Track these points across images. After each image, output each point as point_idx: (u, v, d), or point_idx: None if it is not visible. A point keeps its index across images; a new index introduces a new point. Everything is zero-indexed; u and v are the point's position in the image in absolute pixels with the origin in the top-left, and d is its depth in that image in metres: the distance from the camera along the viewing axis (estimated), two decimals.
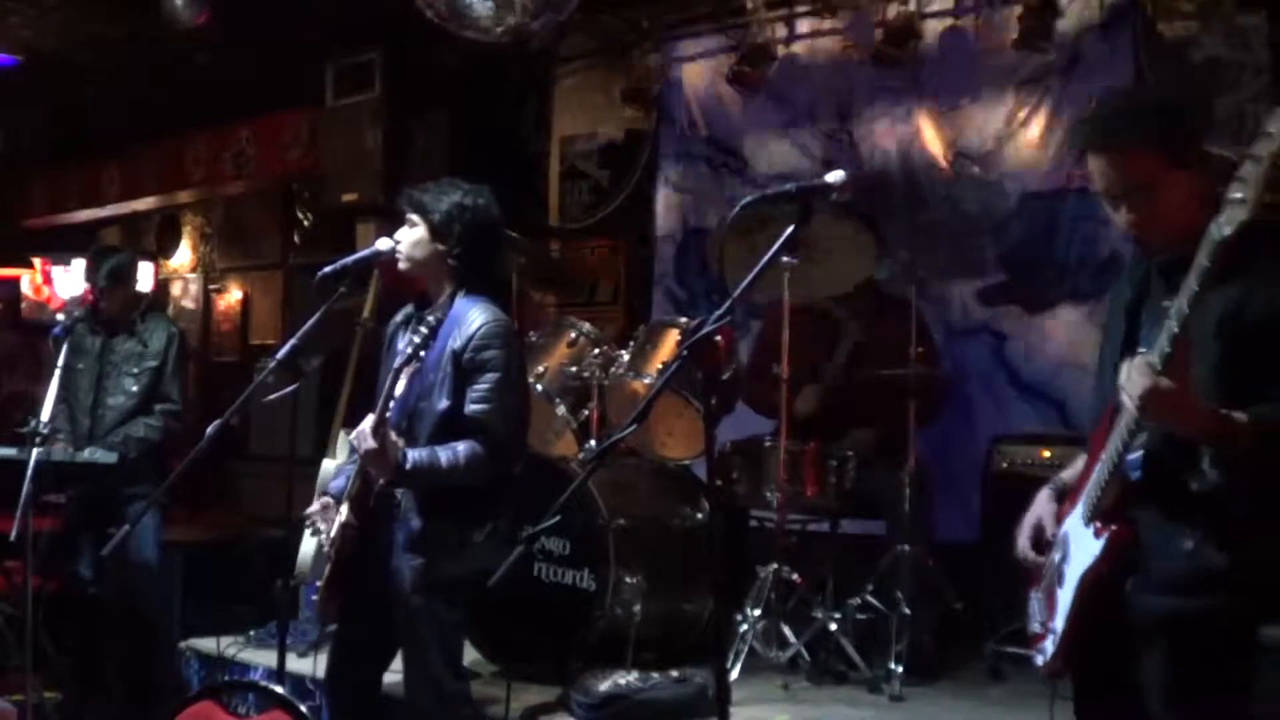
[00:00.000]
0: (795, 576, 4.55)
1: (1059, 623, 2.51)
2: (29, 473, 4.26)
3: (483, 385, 3.42)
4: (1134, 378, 2.29)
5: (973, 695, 4.41)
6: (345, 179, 7.38)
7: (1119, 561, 2.41)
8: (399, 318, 3.72)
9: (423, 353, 3.39)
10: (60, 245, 10.07)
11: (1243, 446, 2.29)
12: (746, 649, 4.39)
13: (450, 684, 3.53)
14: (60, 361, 4.64)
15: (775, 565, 4.51)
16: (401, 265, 3.58)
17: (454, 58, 6.81)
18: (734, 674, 4.25)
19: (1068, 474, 2.68)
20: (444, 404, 3.42)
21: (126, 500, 5.01)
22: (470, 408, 3.42)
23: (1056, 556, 2.57)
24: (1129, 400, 2.31)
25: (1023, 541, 2.68)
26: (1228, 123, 4.96)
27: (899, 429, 4.75)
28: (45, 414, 4.40)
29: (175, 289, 9.97)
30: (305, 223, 8.85)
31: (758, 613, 4.48)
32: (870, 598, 4.67)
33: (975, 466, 5.19)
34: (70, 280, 9.50)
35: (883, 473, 4.73)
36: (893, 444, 4.83)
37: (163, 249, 10.04)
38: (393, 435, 3.32)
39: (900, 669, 4.37)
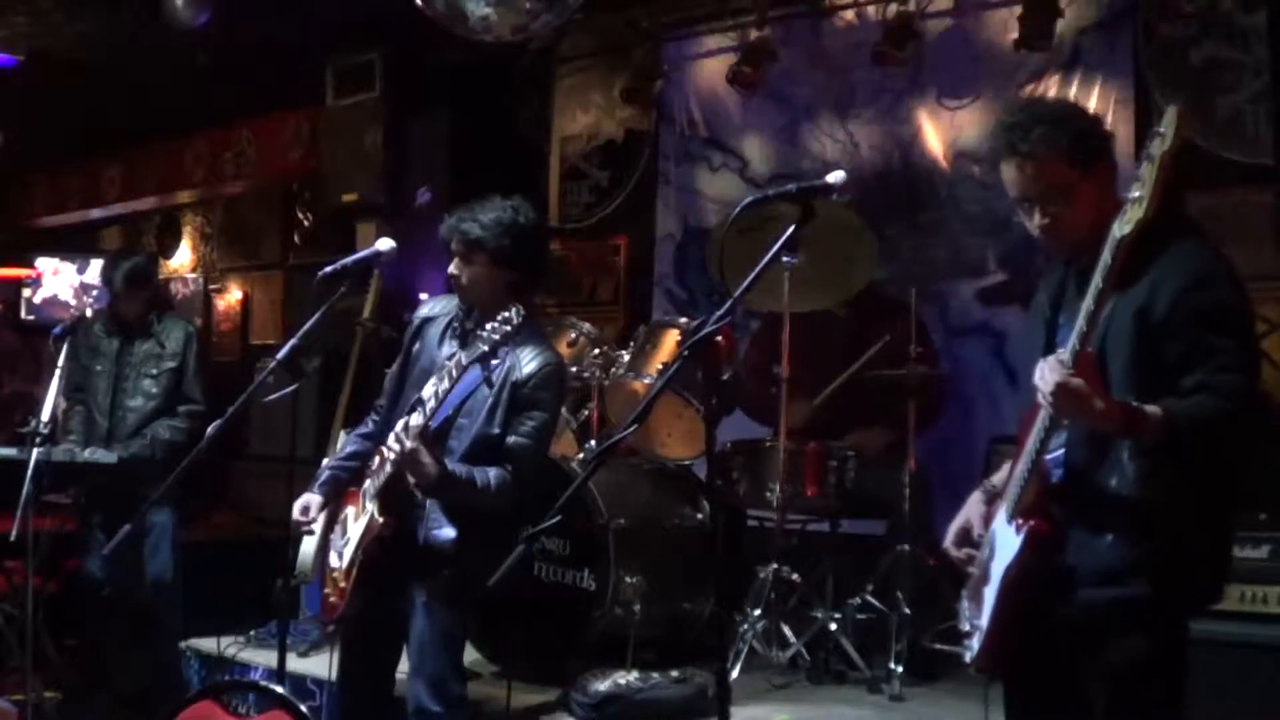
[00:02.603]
0: (795, 576, 4.56)
1: (983, 620, 2.57)
2: (29, 473, 4.27)
3: (530, 421, 3.52)
4: (1045, 374, 2.38)
5: (973, 695, 4.38)
6: (345, 179, 7.38)
7: (1038, 556, 2.48)
8: (430, 311, 3.70)
9: (477, 368, 3.41)
10: (60, 245, 10.07)
11: (1153, 439, 2.37)
12: (746, 649, 4.40)
13: (455, 687, 3.58)
14: (60, 361, 4.63)
15: (775, 565, 4.52)
16: (467, 299, 3.58)
17: (454, 58, 6.80)
18: (734, 674, 4.26)
19: (998, 478, 2.75)
20: (495, 430, 3.48)
21: (144, 502, 5.00)
22: (512, 439, 3.50)
23: (984, 555, 2.63)
24: (1041, 396, 2.39)
25: (949, 541, 2.74)
26: (1228, 123, 4.96)
27: (898, 429, 4.75)
28: (45, 414, 4.40)
29: (175, 289, 9.97)
30: (305, 223, 8.84)
31: (758, 613, 4.48)
32: (870, 598, 4.67)
33: (975, 466, 5.18)
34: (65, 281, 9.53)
35: (883, 473, 4.73)
36: (893, 445, 4.83)
37: (163, 249, 10.03)
38: (426, 457, 3.34)
39: (900, 669, 4.37)
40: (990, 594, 2.55)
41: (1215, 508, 2.50)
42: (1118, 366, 2.45)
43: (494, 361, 3.41)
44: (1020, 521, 2.50)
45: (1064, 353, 2.37)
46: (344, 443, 3.83)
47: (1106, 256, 2.33)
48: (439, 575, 3.48)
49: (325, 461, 3.81)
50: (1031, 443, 2.48)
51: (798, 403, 4.96)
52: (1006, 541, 2.53)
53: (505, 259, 3.52)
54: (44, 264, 9.51)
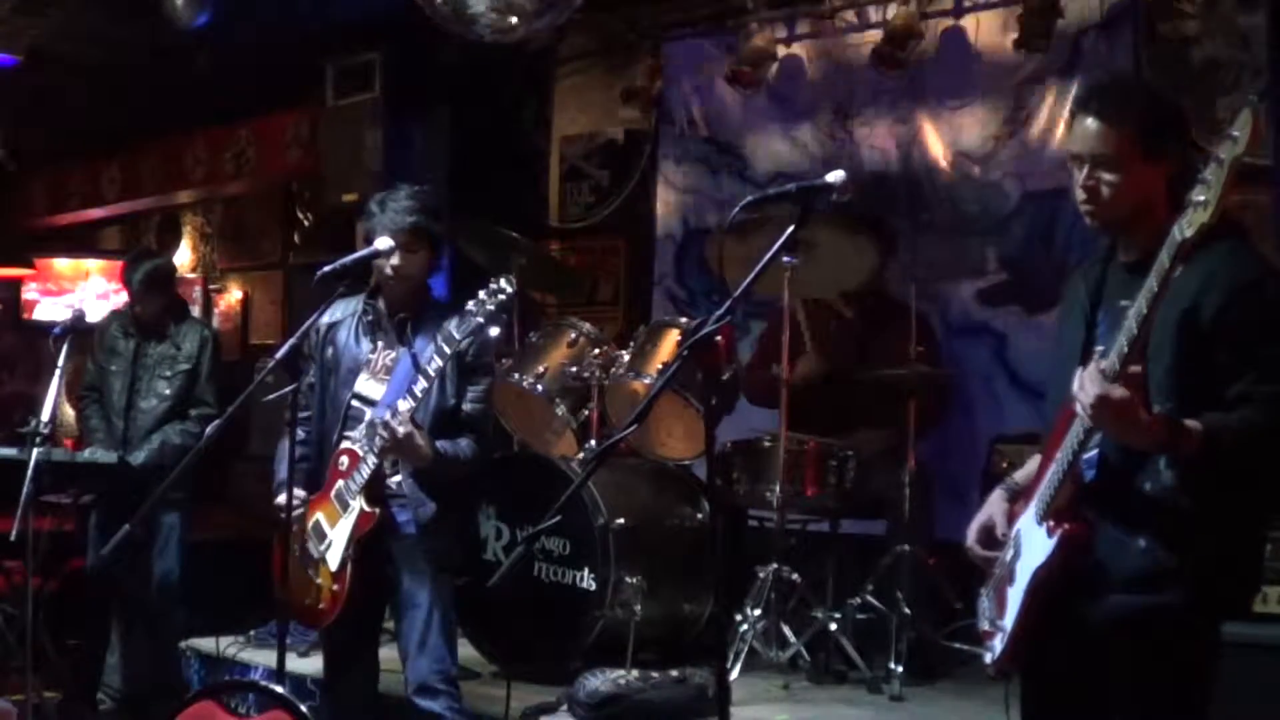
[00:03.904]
0: (795, 576, 4.55)
1: (1008, 621, 2.53)
2: (29, 473, 4.26)
3: (479, 386, 3.70)
4: (1086, 386, 2.32)
5: (973, 695, 4.40)
6: (345, 179, 7.36)
7: (1070, 560, 2.44)
8: (333, 317, 3.75)
9: (406, 353, 3.53)
10: (60, 245, 10.06)
11: (1192, 455, 2.32)
12: (746, 649, 4.39)
13: (452, 667, 3.68)
14: (60, 361, 4.63)
15: (775, 565, 4.51)
16: (406, 287, 3.68)
17: (454, 58, 6.79)
18: (734, 674, 4.25)
19: (1021, 475, 2.72)
20: (451, 401, 3.63)
21: (157, 504, 4.98)
22: (469, 406, 3.67)
23: (1008, 555, 2.60)
24: (1081, 408, 2.33)
25: (972, 539, 2.71)
26: (1228, 123, 4.95)
27: (902, 430, 4.75)
28: (45, 414, 4.40)
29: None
30: (305, 223, 8.84)
31: (758, 613, 4.48)
32: (870, 598, 4.66)
33: (975, 466, 5.19)
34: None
35: (883, 472, 4.73)
36: (896, 445, 4.83)
37: (163, 249, 10.02)
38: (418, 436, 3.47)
39: (900, 669, 4.37)
40: (1015, 595, 2.51)
41: (1252, 513, 2.47)
42: (1160, 370, 2.39)
43: (422, 344, 3.53)
44: (1053, 524, 2.46)
45: (1104, 362, 2.31)
46: (281, 451, 3.80)
47: (1164, 259, 2.25)
48: (427, 553, 3.58)
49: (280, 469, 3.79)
50: (1069, 442, 2.43)
51: (806, 357, 4.95)
52: (1035, 542, 2.49)
53: (438, 242, 3.71)
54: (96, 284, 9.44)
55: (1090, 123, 2.50)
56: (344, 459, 3.60)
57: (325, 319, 3.77)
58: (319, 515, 3.64)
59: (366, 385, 3.65)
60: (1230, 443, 2.32)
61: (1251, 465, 2.38)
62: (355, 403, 3.65)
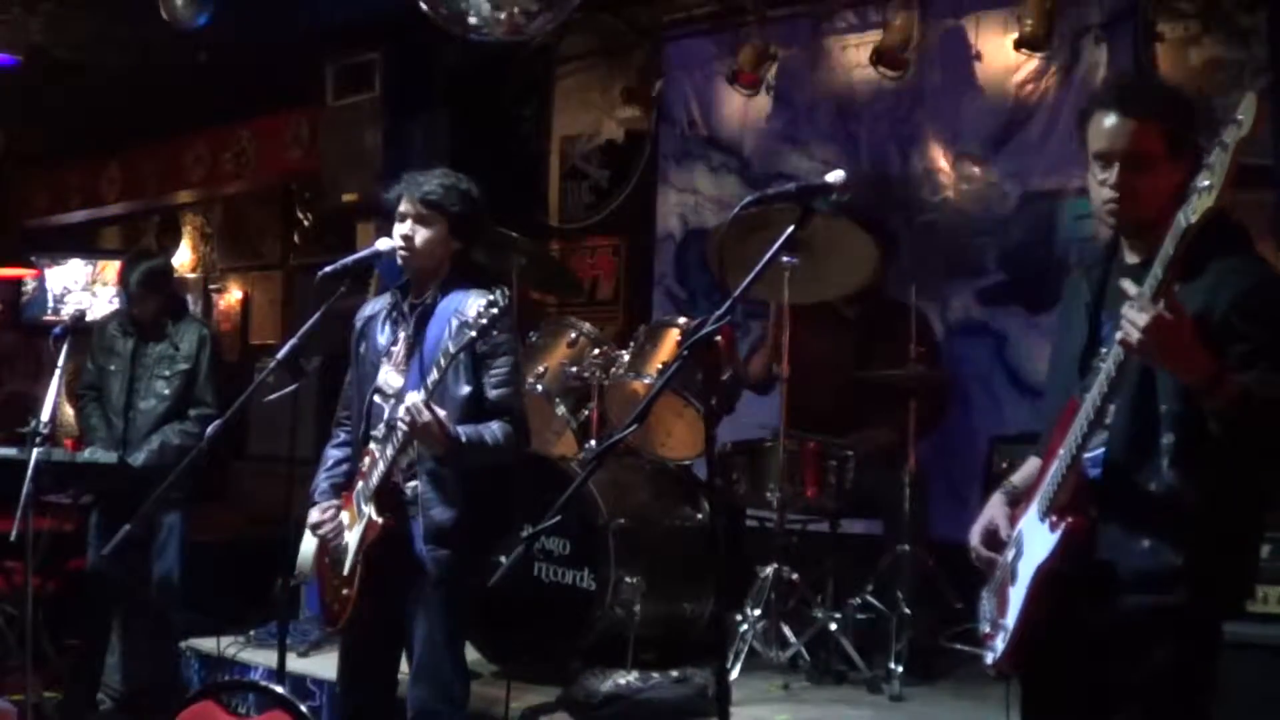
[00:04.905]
0: (795, 576, 4.55)
1: (1010, 619, 2.52)
2: (29, 473, 4.26)
3: (501, 369, 3.54)
4: (1133, 315, 2.23)
5: (973, 695, 4.40)
6: (345, 179, 7.36)
7: (1073, 554, 2.43)
8: (371, 310, 3.73)
9: (413, 339, 3.47)
10: (60, 245, 10.07)
11: (1224, 404, 2.27)
12: (746, 649, 4.39)
13: (459, 688, 3.58)
14: (60, 361, 4.63)
15: (775, 565, 4.51)
16: (415, 264, 3.57)
17: (454, 58, 6.80)
18: (734, 674, 4.25)
19: (1018, 477, 2.72)
20: (467, 389, 3.49)
21: (157, 504, 4.97)
22: (493, 391, 3.52)
23: (1010, 555, 2.59)
24: (1130, 336, 2.24)
25: (976, 541, 2.70)
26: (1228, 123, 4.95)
27: (902, 430, 4.75)
28: (45, 414, 4.40)
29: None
30: (305, 223, 8.85)
31: (758, 613, 4.48)
32: (870, 598, 4.66)
33: (975, 466, 5.19)
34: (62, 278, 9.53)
35: (882, 473, 4.73)
36: (896, 444, 4.83)
37: (163, 249, 10.02)
38: (441, 412, 3.33)
39: (900, 669, 4.37)
40: (1018, 593, 2.50)
41: (1251, 512, 2.47)
42: (1171, 376, 2.36)
43: (435, 331, 3.45)
44: (1055, 519, 2.45)
45: (1144, 290, 2.24)
46: (324, 457, 3.80)
47: (1169, 247, 2.22)
48: (437, 570, 3.47)
49: (317, 478, 3.77)
50: (1071, 439, 2.42)
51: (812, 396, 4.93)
52: (1037, 539, 2.48)
53: (460, 226, 3.57)
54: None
55: (1117, 120, 2.46)
56: (366, 459, 3.53)
57: (365, 312, 3.73)
58: (344, 515, 3.60)
59: (387, 376, 3.57)
60: (1261, 402, 2.27)
61: (1264, 437, 2.32)
62: (376, 398, 3.57)
